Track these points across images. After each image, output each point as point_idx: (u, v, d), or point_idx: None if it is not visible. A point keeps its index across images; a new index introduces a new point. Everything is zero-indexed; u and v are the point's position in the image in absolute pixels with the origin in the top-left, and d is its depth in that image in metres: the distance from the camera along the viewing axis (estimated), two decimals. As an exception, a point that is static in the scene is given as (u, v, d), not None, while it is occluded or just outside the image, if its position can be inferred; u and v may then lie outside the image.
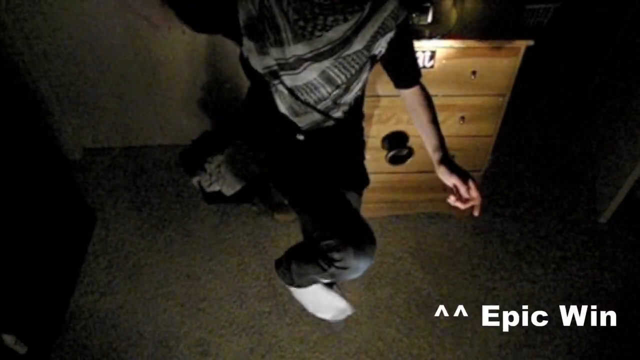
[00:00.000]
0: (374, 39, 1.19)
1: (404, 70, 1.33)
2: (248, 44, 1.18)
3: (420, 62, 1.79)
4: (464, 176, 1.25)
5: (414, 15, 1.76)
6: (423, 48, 1.77)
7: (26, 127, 2.06)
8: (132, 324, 2.13)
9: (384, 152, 2.11)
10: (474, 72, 1.83)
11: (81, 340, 2.08)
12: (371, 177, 2.21)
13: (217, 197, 2.47)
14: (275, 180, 1.59)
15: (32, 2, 2.11)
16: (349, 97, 1.30)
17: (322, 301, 1.82)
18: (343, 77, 1.21)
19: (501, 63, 1.82)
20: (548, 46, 2.95)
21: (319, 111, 1.31)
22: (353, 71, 1.21)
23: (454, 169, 1.28)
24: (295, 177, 1.52)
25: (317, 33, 1.13)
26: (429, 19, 1.77)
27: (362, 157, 1.65)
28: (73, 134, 2.65)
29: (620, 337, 2.09)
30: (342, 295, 1.93)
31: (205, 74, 2.44)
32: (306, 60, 1.16)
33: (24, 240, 1.90)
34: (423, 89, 1.39)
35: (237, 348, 2.06)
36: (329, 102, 1.28)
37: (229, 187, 2.44)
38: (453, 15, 1.84)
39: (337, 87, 1.23)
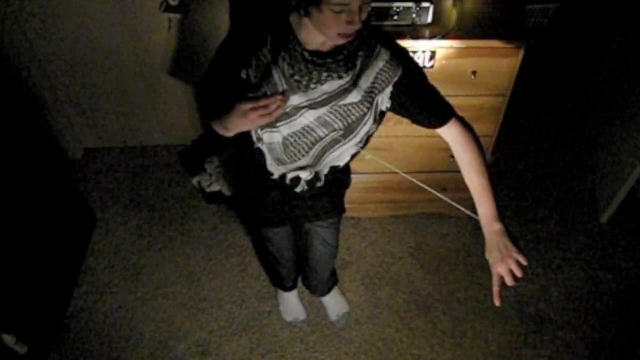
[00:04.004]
0: (371, 93, 1.19)
1: (428, 111, 1.25)
2: None
3: (420, 62, 1.80)
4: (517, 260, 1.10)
5: (414, 15, 1.76)
6: (423, 48, 1.77)
7: (26, 127, 2.06)
8: (132, 324, 2.13)
9: (385, 152, 2.11)
10: (474, 72, 1.83)
11: (81, 340, 2.08)
12: (371, 177, 2.22)
13: (217, 197, 2.47)
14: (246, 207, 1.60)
15: (33, 2, 2.11)
16: (347, 147, 1.26)
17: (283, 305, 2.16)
18: (340, 123, 1.21)
19: (501, 63, 1.82)
20: (548, 46, 2.95)
21: (306, 167, 1.30)
22: (350, 120, 1.21)
23: (507, 249, 1.11)
24: (266, 214, 1.55)
25: (312, 86, 1.16)
26: (429, 19, 1.77)
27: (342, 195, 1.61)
28: (73, 134, 2.65)
29: (620, 337, 2.09)
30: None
31: (205, 74, 2.44)
32: (302, 108, 1.18)
33: (24, 241, 1.90)
34: (462, 127, 1.26)
35: (237, 348, 2.06)
36: (324, 144, 1.25)
37: (229, 187, 2.44)
38: (453, 15, 1.84)
39: (334, 130, 1.22)
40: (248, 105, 1.07)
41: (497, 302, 1.11)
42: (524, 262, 1.11)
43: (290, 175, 1.35)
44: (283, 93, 1.14)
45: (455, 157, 1.27)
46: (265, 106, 1.07)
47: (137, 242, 2.39)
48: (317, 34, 1.10)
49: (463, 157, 1.24)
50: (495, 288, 1.11)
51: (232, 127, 1.13)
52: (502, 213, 1.20)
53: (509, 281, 1.10)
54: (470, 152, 1.23)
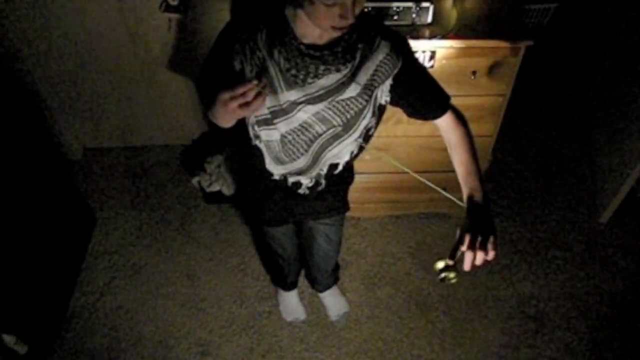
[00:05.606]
0: (370, 87, 1.18)
1: (428, 103, 1.25)
2: None
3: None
4: (484, 233, 1.02)
5: (413, 15, 1.76)
6: (423, 48, 1.77)
7: (26, 127, 2.06)
8: (132, 324, 2.13)
9: (385, 152, 2.11)
10: (474, 72, 1.83)
11: (81, 340, 2.08)
12: (371, 177, 2.22)
13: (217, 197, 2.47)
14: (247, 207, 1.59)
15: (33, 2, 2.11)
16: (346, 143, 1.24)
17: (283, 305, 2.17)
18: (339, 119, 1.20)
19: (501, 63, 1.82)
20: (548, 46, 2.95)
21: (305, 170, 1.29)
22: (349, 115, 1.20)
23: (478, 221, 1.04)
24: (269, 214, 1.54)
25: (310, 80, 1.14)
26: (429, 19, 1.77)
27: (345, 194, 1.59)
28: (73, 134, 2.65)
29: (620, 337, 2.09)
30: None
31: (205, 74, 2.44)
32: (300, 103, 1.17)
33: (24, 241, 1.90)
34: (454, 113, 1.25)
35: (237, 348, 2.06)
36: (323, 141, 1.23)
37: (229, 187, 2.44)
38: (453, 15, 1.84)
39: (333, 127, 1.21)
40: (227, 95, 1.03)
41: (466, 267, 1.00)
42: (491, 254, 1.01)
43: (291, 180, 1.34)
44: (260, 80, 1.09)
45: (445, 141, 1.26)
46: (243, 94, 1.02)
47: (137, 242, 2.39)
48: (313, 27, 1.08)
49: (452, 137, 1.23)
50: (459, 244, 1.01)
51: (217, 118, 1.10)
52: (489, 198, 1.13)
53: (467, 260, 0.99)
54: (460, 131, 1.22)
